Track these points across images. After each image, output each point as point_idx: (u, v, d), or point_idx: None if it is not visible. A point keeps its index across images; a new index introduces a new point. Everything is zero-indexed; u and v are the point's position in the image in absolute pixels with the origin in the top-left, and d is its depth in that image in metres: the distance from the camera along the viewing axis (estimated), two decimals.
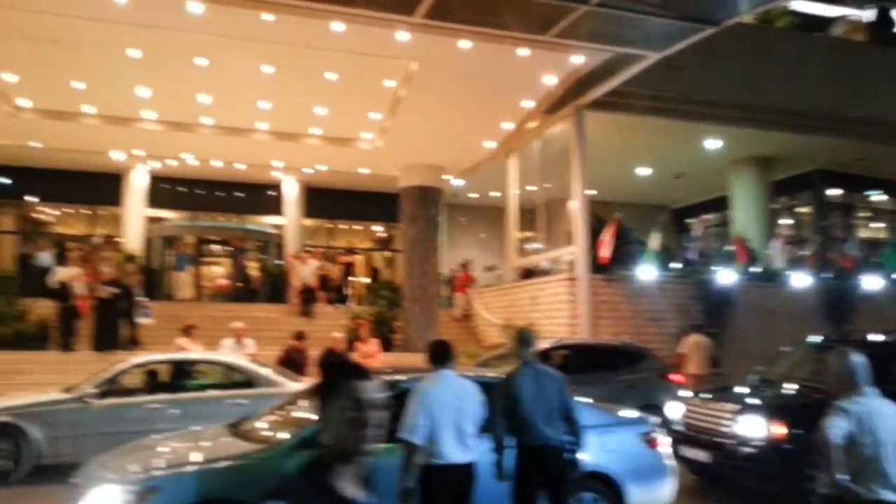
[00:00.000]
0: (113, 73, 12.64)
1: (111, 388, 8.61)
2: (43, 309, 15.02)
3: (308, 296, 17.37)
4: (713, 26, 10.94)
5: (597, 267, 14.29)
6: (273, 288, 20.10)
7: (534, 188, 17.11)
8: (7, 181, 19.31)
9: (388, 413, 4.33)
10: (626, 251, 14.85)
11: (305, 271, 17.26)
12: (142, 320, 14.06)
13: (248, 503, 4.78)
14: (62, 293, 13.99)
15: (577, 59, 11.92)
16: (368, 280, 21.42)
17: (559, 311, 14.42)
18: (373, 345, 11.93)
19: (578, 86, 13.40)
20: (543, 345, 10.17)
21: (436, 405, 4.41)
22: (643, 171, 19.54)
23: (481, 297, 18.81)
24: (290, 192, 21.43)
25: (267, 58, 12.10)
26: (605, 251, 14.09)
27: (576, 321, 13.87)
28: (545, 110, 14.36)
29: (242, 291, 20.08)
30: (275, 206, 21.67)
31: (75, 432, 8.22)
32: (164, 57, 12.02)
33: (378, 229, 24.51)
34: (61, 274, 14.38)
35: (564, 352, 10.81)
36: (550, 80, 12.57)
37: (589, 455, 5.51)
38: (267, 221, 22.65)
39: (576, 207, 14.68)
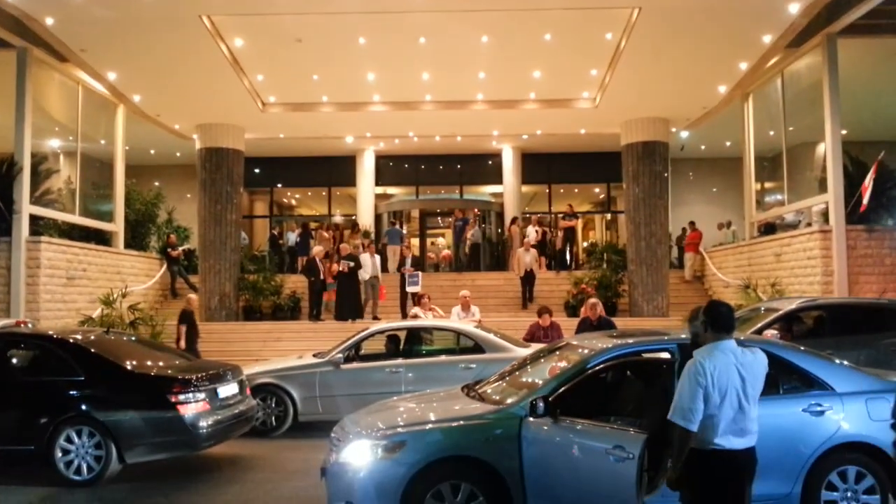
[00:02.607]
0: (344, 63, 13.59)
1: (355, 353, 9.26)
2: (293, 283, 16.72)
3: (528, 281, 16.57)
4: None
5: (854, 217, 12.51)
6: (495, 256, 20.41)
7: (774, 133, 15.39)
8: (259, 171, 21.60)
9: None
10: (893, 196, 12.90)
11: (527, 257, 16.38)
12: (411, 289, 14.89)
13: (483, 460, 4.87)
14: (310, 269, 15.39)
15: None
16: (590, 243, 20.90)
17: (809, 268, 13.01)
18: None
19: (829, 10, 11.66)
20: (790, 305, 9.11)
21: (716, 386, 3.67)
22: None
23: (714, 257, 17.49)
24: (508, 159, 21.52)
25: (483, 27, 12.20)
26: (867, 197, 12.24)
27: (830, 278, 12.57)
28: (788, 44, 12.69)
29: (465, 261, 20.61)
30: (494, 175, 21.95)
31: (325, 393, 8.96)
32: (388, 40, 12.65)
33: (598, 191, 23.83)
34: (312, 252, 15.85)
35: (817, 312, 9.58)
36: (794, 8, 11.01)
37: (852, 424, 5.06)
38: (487, 191, 23.08)
39: (827, 150, 12.91)
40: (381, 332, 9.77)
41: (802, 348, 5.69)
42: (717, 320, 3.85)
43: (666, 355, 5.16)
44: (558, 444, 4.81)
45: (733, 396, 3.69)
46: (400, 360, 9.18)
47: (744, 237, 17.00)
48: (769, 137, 15.79)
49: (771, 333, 8.48)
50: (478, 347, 9.14)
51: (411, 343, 9.74)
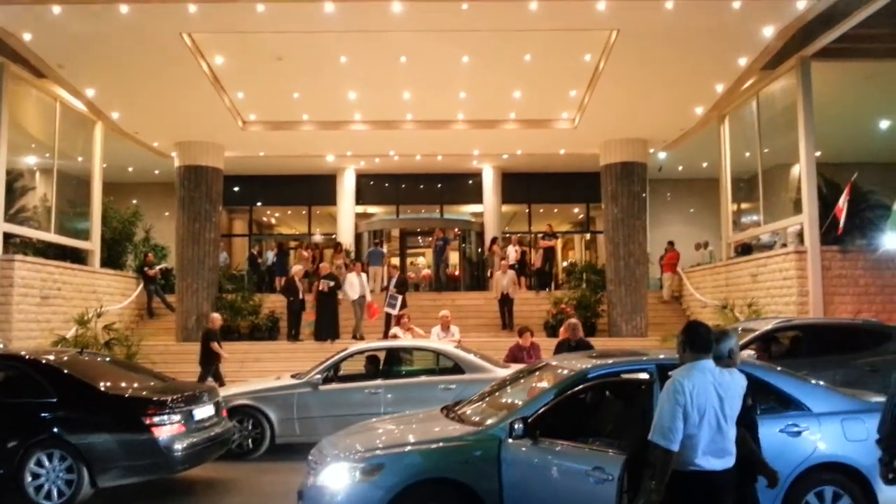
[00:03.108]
0: (325, 82, 13.58)
1: (333, 374, 9.16)
2: (272, 303, 16.58)
3: (506, 305, 16.30)
4: None
5: (829, 238, 12.70)
6: (475, 276, 20.41)
7: (750, 154, 15.65)
8: (239, 189, 21.45)
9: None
10: (866, 217, 13.11)
11: (504, 280, 16.19)
12: (388, 310, 14.73)
13: (462, 482, 4.82)
14: (289, 289, 15.26)
15: (801, 4, 10.50)
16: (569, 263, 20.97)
17: (785, 288, 13.17)
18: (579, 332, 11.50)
19: (803, 34, 11.92)
20: (767, 325, 9.22)
21: (694, 405, 3.66)
22: (884, 124, 16.97)
23: (692, 277, 17.63)
24: (488, 179, 21.60)
25: (464, 47, 12.27)
26: (843, 219, 12.42)
27: (805, 298, 12.75)
28: (763, 66, 12.92)
29: (446, 280, 20.57)
30: (474, 195, 22.00)
31: (303, 415, 8.84)
32: (368, 60, 12.68)
33: (577, 211, 23.99)
34: (291, 272, 15.72)
35: (793, 333, 9.71)
36: (769, 32, 11.22)
37: (829, 444, 5.15)
38: (467, 210, 23.13)
39: (802, 172, 13.13)
40: (360, 352, 9.68)
41: (779, 368, 5.73)
42: (695, 340, 3.89)
43: (645, 376, 5.17)
44: (538, 466, 4.79)
45: (712, 416, 3.70)
46: (379, 381, 9.09)
47: (721, 258, 17.17)
48: (745, 159, 16.01)
49: (748, 354, 8.53)
50: (457, 368, 9.09)
51: (391, 364, 9.64)
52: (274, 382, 9.41)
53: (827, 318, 11.68)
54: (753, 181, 15.61)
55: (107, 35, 11.18)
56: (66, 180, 15.32)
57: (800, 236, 13.46)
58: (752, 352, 8.67)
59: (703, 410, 3.68)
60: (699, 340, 3.88)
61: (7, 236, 12.97)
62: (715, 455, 3.73)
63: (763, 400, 5.27)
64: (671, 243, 18.85)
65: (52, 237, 14.54)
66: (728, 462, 3.79)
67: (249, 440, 8.87)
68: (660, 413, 3.72)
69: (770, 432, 5.08)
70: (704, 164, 19.66)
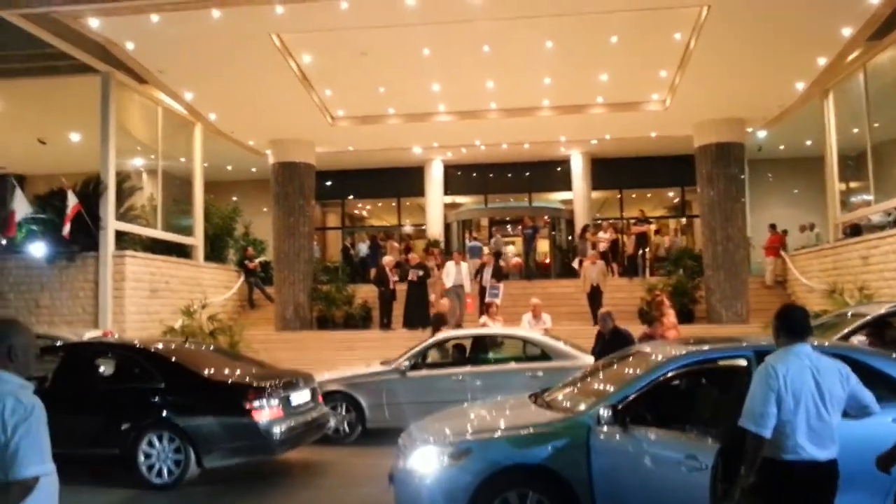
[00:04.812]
0: (409, 74, 13.76)
1: (422, 361, 9.28)
2: (364, 293, 16.96)
3: (596, 297, 15.14)
4: None
5: None
6: (565, 264, 20.16)
7: (858, 130, 14.64)
8: (331, 183, 22.04)
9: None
10: None
11: (593, 272, 15.38)
12: (490, 300, 14.70)
13: (550, 468, 4.77)
14: (381, 279, 15.56)
15: None
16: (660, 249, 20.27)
17: None
18: (671, 317, 11.17)
19: None
20: (880, 309, 8.59)
21: (789, 390, 3.52)
22: None
23: (797, 261, 16.73)
24: (577, 165, 21.22)
25: (547, 33, 12.11)
26: None
27: None
28: (869, 36, 12.04)
29: (536, 268, 20.40)
30: (563, 182, 21.68)
31: (392, 400, 9.00)
32: (451, 50, 12.74)
33: (672, 195, 23.21)
34: (382, 262, 15.99)
35: None
36: None
37: None
38: (556, 197, 22.83)
39: None
40: (448, 340, 9.77)
41: (894, 356, 5.36)
42: (791, 325, 3.71)
43: (742, 362, 4.95)
44: (628, 454, 4.70)
45: (809, 402, 3.52)
46: (466, 368, 9.15)
47: (828, 240, 16.22)
48: (853, 135, 15.02)
49: (858, 340, 8.02)
50: (545, 355, 9.03)
51: (478, 351, 9.68)
52: (364, 369, 9.63)
53: None
54: (862, 158, 14.62)
55: (201, 39, 11.73)
56: (170, 180, 16.23)
57: None
58: (863, 338, 8.14)
59: (799, 395, 3.50)
60: (795, 325, 3.70)
61: (118, 234, 13.86)
62: (815, 443, 3.53)
63: (873, 388, 4.92)
64: (773, 226, 17.96)
65: (159, 234, 15.44)
66: (831, 452, 3.57)
67: (345, 424, 9.11)
68: (751, 398, 3.58)
69: (882, 422, 4.74)
70: (808, 142, 18.59)
